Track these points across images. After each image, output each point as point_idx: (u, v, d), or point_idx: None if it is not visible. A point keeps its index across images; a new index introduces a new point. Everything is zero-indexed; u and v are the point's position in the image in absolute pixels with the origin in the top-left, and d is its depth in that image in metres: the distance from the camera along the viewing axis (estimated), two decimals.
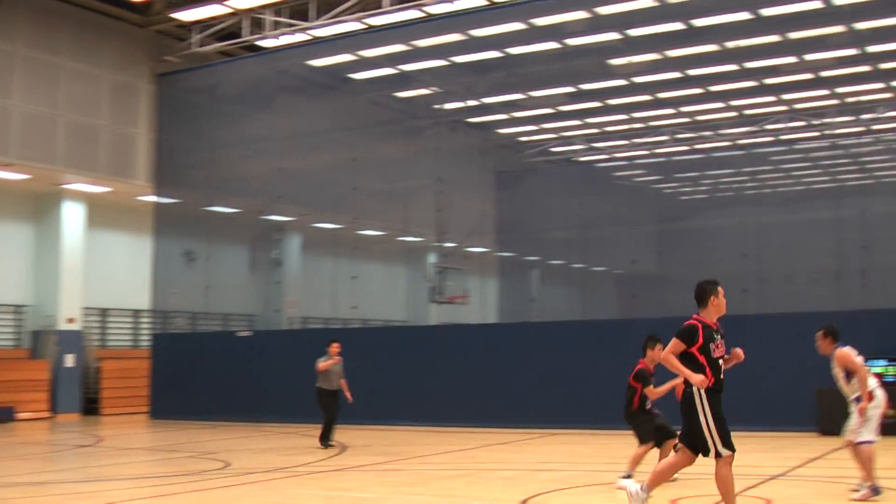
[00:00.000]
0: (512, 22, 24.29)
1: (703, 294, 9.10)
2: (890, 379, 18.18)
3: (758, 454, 15.64)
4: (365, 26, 24.98)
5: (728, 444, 8.75)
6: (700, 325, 8.95)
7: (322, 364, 18.44)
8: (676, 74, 27.27)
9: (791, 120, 28.72)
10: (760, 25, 23.24)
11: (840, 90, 27.89)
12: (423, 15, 23.86)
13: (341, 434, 19.27)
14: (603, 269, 35.45)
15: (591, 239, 31.93)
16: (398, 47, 26.72)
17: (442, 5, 23.35)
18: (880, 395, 11.37)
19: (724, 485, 8.83)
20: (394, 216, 30.66)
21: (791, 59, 25.89)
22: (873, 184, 31.44)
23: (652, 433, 12.53)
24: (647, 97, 28.88)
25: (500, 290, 35.17)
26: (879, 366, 18.29)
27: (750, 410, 18.60)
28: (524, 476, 14.09)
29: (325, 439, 18.50)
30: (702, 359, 8.87)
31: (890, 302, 22.15)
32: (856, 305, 22.41)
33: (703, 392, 8.77)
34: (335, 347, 18.60)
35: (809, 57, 25.51)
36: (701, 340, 8.88)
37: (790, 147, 30.93)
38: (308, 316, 33.36)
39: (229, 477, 14.48)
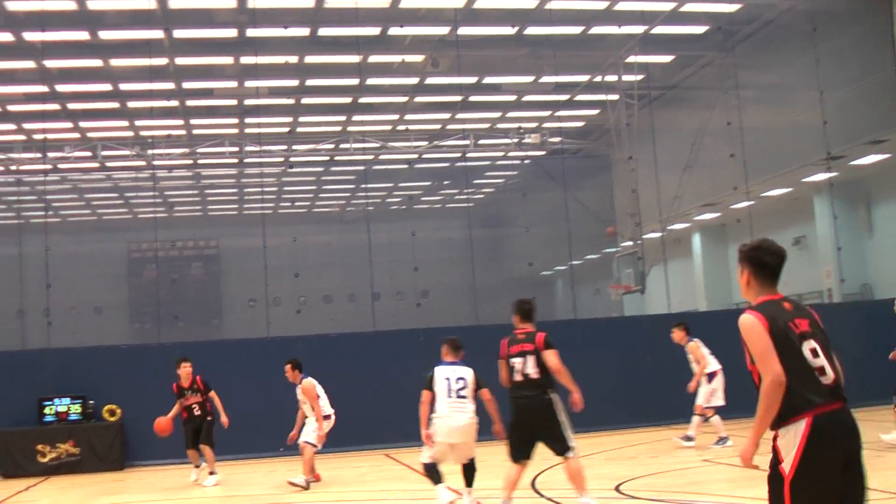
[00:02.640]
0: None
1: (534, 309, 9.96)
2: (75, 417, 18.14)
3: None
4: None
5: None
6: None
7: None
8: None
9: None
10: None
11: (28, 126, 27.56)
12: None
13: None
14: None
15: None
16: None
17: None
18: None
19: (580, 473, 9.51)
20: None
21: None
22: (58, 222, 31.44)
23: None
24: None
25: None
26: (64, 404, 18.17)
27: None
28: None
29: None
30: None
31: (71, 341, 22.41)
32: (39, 344, 22.29)
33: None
34: None
35: None
36: None
37: None
38: None
39: None
